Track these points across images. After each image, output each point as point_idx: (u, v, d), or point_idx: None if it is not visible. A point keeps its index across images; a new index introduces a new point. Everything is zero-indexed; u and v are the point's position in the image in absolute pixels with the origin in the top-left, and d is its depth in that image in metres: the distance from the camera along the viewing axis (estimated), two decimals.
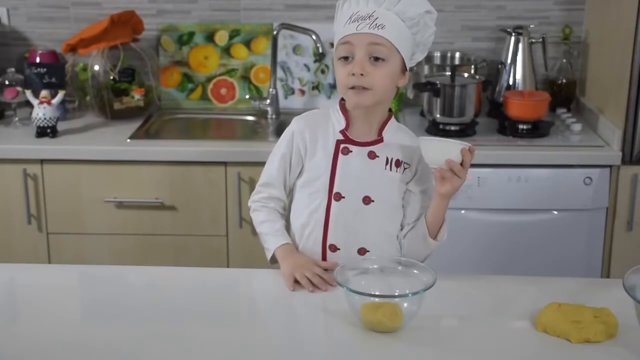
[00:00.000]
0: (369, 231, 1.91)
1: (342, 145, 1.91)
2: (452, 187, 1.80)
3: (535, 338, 1.65)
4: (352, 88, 1.84)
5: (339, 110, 1.93)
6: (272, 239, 1.95)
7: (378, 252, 1.90)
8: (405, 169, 1.92)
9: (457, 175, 1.79)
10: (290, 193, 2.00)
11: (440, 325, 1.71)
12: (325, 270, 1.86)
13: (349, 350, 1.60)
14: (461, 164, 1.78)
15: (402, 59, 1.86)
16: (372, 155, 1.91)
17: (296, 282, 1.84)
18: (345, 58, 1.85)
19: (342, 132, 1.92)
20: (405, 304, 1.64)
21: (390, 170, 1.91)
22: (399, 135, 1.94)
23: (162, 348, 1.61)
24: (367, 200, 1.90)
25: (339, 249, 1.92)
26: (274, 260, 1.94)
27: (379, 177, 1.91)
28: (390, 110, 1.95)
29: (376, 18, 1.82)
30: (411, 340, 1.63)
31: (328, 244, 1.93)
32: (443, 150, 1.77)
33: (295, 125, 1.96)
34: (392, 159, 1.91)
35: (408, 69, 1.90)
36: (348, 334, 1.65)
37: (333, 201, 1.91)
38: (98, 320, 1.75)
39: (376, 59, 1.83)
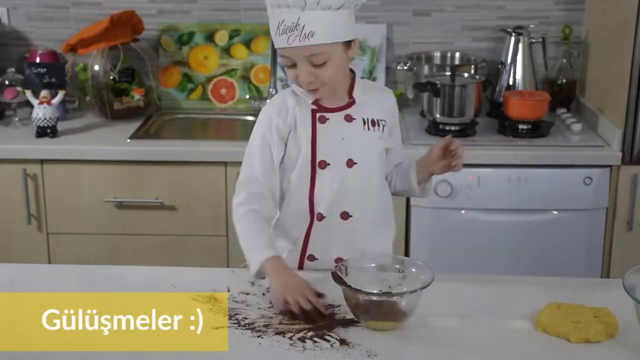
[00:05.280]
0: (351, 194, 1.92)
1: (318, 115, 1.91)
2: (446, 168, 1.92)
3: (535, 338, 1.65)
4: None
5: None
6: (258, 252, 1.83)
7: (359, 214, 1.93)
8: (383, 125, 1.95)
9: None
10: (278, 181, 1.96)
11: (440, 325, 1.71)
12: (318, 296, 1.76)
13: (349, 349, 1.60)
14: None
15: (344, 41, 1.83)
16: (348, 119, 1.92)
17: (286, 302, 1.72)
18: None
19: (315, 102, 1.91)
20: (404, 302, 1.65)
21: (369, 130, 1.93)
22: (369, 94, 1.95)
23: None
24: (350, 163, 1.91)
25: (324, 217, 1.93)
26: (259, 275, 1.83)
27: (359, 138, 1.92)
28: (352, 71, 1.94)
29: (303, 26, 1.76)
30: (411, 340, 1.63)
31: (316, 213, 1.93)
32: None
33: (266, 112, 1.94)
34: (368, 119, 1.93)
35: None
36: (347, 332, 1.65)
37: (318, 169, 1.91)
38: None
39: (318, 64, 1.81)
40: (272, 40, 1.85)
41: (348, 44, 1.85)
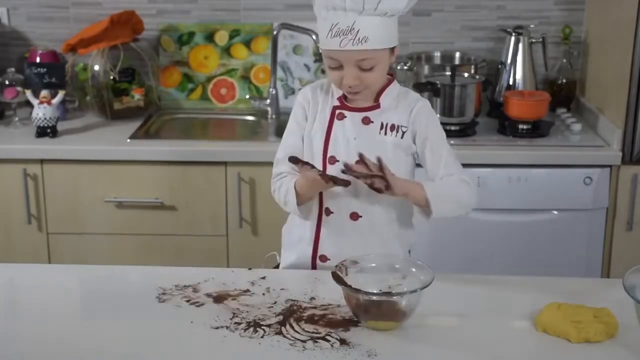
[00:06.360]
0: (360, 195, 1.91)
1: (337, 111, 1.93)
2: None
3: (535, 338, 1.65)
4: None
5: None
6: (290, 189, 1.90)
7: (370, 218, 1.93)
8: (403, 132, 1.91)
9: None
10: None
11: (440, 325, 1.71)
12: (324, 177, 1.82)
13: (349, 349, 1.60)
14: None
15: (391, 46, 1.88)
16: (366, 121, 1.92)
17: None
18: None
19: (340, 98, 1.94)
20: (404, 302, 1.65)
21: (385, 134, 1.91)
22: (401, 100, 1.94)
23: (162, 347, 1.61)
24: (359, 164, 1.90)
25: (332, 212, 1.94)
26: (300, 202, 1.91)
27: (371, 141, 1.90)
28: (391, 74, 1.96)
29: (358, 31, 1.79)
30: (411, 340, 1.63)
31: (324, 207, 1.95)
32: None
33: (300, 95, 2.00)
34: (386, 124, 1.91)
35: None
36: (347, 332, 1.66)
37: (328, 165, 1.92)
38: (98, 320, 1.75)
39: (366, 69, 1.84)
40: (320, 41, 1.88)
41: (392, 49, 1.88)
